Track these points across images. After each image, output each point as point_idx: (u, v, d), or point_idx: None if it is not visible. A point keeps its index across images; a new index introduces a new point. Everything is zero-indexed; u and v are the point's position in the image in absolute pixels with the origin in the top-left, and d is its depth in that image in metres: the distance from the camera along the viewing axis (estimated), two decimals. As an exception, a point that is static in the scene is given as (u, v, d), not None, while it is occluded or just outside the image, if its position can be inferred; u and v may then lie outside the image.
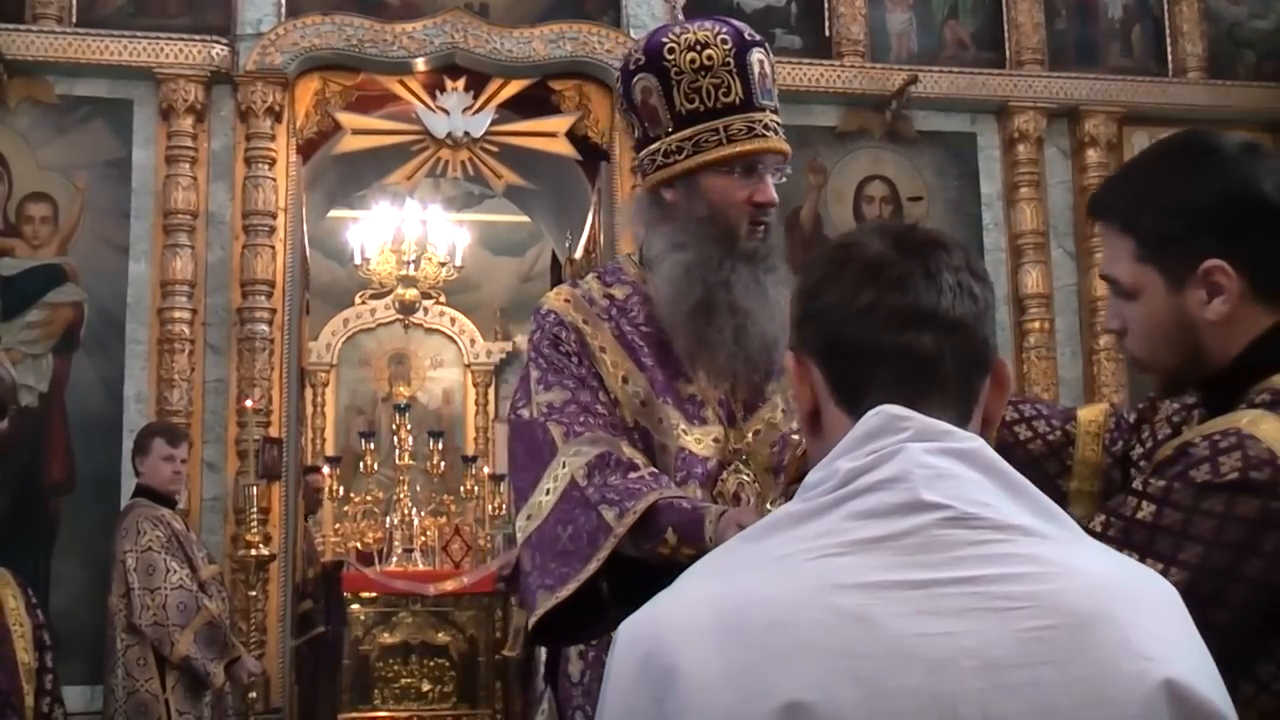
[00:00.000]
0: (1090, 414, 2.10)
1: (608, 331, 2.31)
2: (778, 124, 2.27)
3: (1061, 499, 1.51)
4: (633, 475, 2.10)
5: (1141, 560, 1.40)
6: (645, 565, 2.02)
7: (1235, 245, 1.57)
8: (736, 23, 2.30)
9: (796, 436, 2.08)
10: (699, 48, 2.22)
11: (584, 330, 2.30)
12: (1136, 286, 1.62)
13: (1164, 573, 1.37)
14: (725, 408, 2.30)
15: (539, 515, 2.17)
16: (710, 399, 2.30)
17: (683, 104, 2.23)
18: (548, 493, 2.17)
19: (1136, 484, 1.51)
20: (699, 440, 2.26)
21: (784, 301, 2.22)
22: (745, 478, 2.28)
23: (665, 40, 2.26)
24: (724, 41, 2.23)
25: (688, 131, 2.24)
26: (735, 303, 2.24)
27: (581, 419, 2.21)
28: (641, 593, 1.18)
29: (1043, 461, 2.05)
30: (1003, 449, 1.15)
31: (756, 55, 2.25)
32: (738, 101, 2.22)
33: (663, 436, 2.26)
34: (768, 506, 2.16)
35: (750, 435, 2.30)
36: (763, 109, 2.25)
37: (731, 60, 2.22)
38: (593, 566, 2.04)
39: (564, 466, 2.16)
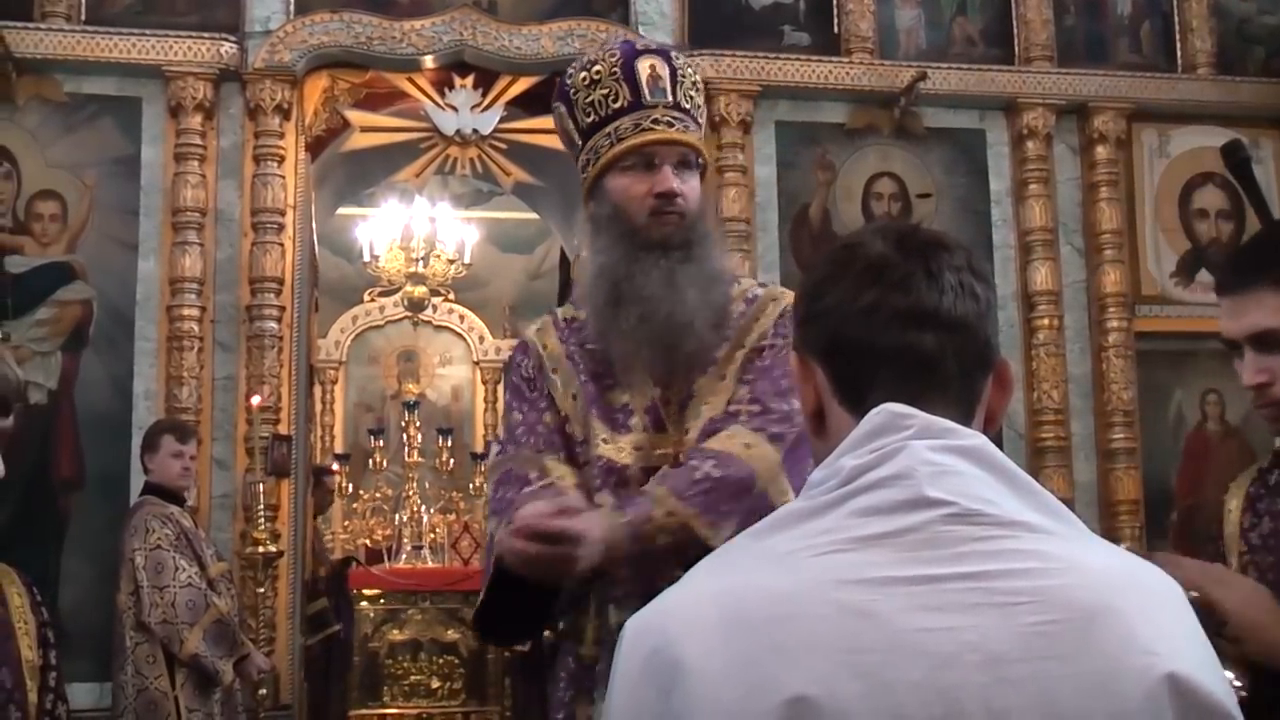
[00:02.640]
0: None
1: (562, 352, 2.44)
2: (678, 117, 2.34)
3: None
4: (525, 490, 2.28)
5: None
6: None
7: None
8: (643, 41, 2.44)
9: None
10: (589, 65, 2.37)
11: (543, 354, 2.45)
12: None
13: None
14: (653, 415, 2.35)
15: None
16: (639, 407, 2.35)
17: (583, 120, 2.38)
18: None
19: None
20: (620, 449, 2.33)
21: (703, 290, 2.33)
22: None
23: (569, 69, 2.43)
24: (612, 55, 2.36)
25: (589, 144, 2.37)
26: (638, 293, 2.31)
27: (521, 438, 2.40)
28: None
29: None
30: None
31: (647, 62, 2.35)
32: (625, 105, 2.33)
33: (588, 447, 2.36)
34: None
35: (683, 440, 2.33)
36: (654, 105, 2.33)
37: (619, 69, 2.34)
38: (490, 575, 2.23)
39: (490, 483, 2.44)
